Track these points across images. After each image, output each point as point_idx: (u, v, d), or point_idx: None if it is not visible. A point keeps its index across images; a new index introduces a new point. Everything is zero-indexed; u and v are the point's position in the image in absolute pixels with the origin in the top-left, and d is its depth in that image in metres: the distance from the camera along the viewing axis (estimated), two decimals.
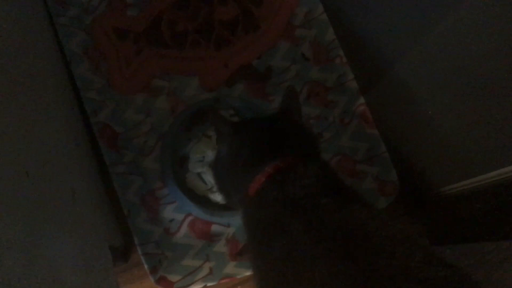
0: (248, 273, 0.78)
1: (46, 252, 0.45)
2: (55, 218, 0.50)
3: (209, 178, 0.80)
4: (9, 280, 0.37)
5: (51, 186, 0.51)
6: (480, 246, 0.75)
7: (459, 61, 0.64)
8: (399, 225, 0.51)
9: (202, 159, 0.81)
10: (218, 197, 0.80)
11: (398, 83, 0.80)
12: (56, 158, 0.58)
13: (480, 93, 0.63)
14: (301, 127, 0.67)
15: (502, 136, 0.63)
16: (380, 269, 0.44)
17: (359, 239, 0.48)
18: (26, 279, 0.40)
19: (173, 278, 0.76)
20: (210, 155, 0.80)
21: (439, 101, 0.72)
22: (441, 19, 0.64)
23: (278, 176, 0.57)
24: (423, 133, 0.79)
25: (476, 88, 0.64)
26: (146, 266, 0.75)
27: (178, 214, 0.80)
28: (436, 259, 0.47)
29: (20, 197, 0.40)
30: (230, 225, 0.80)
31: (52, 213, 0.49)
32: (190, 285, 0.76)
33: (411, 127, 0.82)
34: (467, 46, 0.62)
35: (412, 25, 0.72)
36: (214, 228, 0.80)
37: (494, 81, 0.60)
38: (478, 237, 0.75)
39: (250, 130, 0.65)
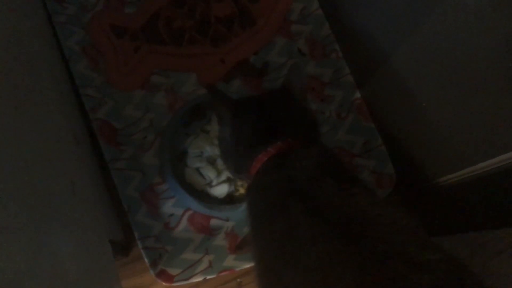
0: (247, 265, 0.79)
1: (49, 242, 0.46)
2: (55, 209, 0.51)
3: (208, 173, 0.81)
4: (16, 269, 0.38)
5: (51, 178, 0.52)
6: (477, 236, 0.76)
7: (451, 53, 0.65)
8: (398, 213, 0.52)
9: (201, 154, 0.82)
10: (216, 192, 0.81)
11: (393, 76, 0.80)
12: (55, 151, 0.59)
13: (472, 85, 0.64)
14: (301, 107, 0.66)
15: (496, 125, 0.63)
16: (378, 252, 0.45)
17: (359, 224, 0.49)
18: (31, 269, 0.41)
19: (173, 271, 0.77)
20: (209, 150, 0.81)
21: (432, 92, 0.73)
22: (432, 11, 0.65)
23: (279, 158, 0.59)
24: (418, 125, 0.80)
25: (468, 79, 0.64)
26: (146, 260, 0.76)
27: (177, 208, 0.80)
28: (433, 245, 0.48)
29: (21, 186, 0.41)
30: (229, 219, 0.81)
31: (52, 204, 0.50)
32: (190, 278, 0.77)
33: (406, 120, 0.83)
34: (458, 38, 0.63)
35: (406, 18, 0.73)
36: (213, 222, 0.81)
37: (486, 72, 0.61)
38: (474, 227, 0.76)
39: (250, 111, 0.64)
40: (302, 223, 0.50)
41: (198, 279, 0.78)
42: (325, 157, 0.60)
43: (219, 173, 0.81)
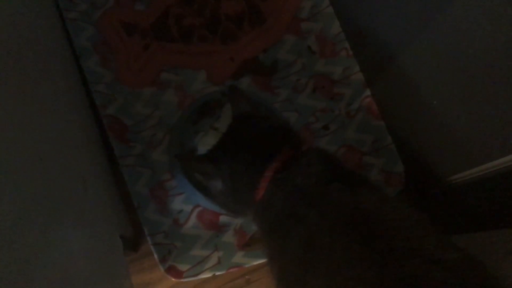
0: (256, 262, 0.79)
1: (60, 237, 0.46)
2: (67, 203, 0.51)
3: None
4: (28, 262, 0.38)
5: (63, 173, 0.53)
6: (487, 235, 0.75)
7: (462, 50, 0.65)
8: (409, 209, 0.52)
9: None
10: None
11: (403, 74, 0.80)
12: (68, 147, 0.60)
13: (484, 82, 0.64)
14: (268, 120, 0.67)
15: (508, 123, 0.63)
16: (396, 251, 0.45)
17: (373, 222, 0.49)
18: (43, 263, 0.41)
19: (183, 267, 0.77)
20: None
21: (443, 90, 0.72)
22: (443, 8, 0.65)
23: (283, 171, 0.59)
24: (429, 123, 0.80)
25: (480, 77, 0.64)
26: (156, 256, 0.76)
27: (186, 205, 0.81)
28: (448, 242, 0.48)
29: (35, 179, 0.42)
30: None
31: (64, 198, 0.50)
32: (199, 274, 0.78)
33: (416, 118, 0.83)
34: (469, 35, 0.62)
35: (417, 16, 0.72)
36: (222, 219, 0.81)
37: (497, 70, 0.61)
38: (485, 226, 0.75)
39: (229, 152, 0.63)
40: (318, 230, 0.50)
41: (207, 275, 0.78)
42: (327, 161, 0.60)
43: None
